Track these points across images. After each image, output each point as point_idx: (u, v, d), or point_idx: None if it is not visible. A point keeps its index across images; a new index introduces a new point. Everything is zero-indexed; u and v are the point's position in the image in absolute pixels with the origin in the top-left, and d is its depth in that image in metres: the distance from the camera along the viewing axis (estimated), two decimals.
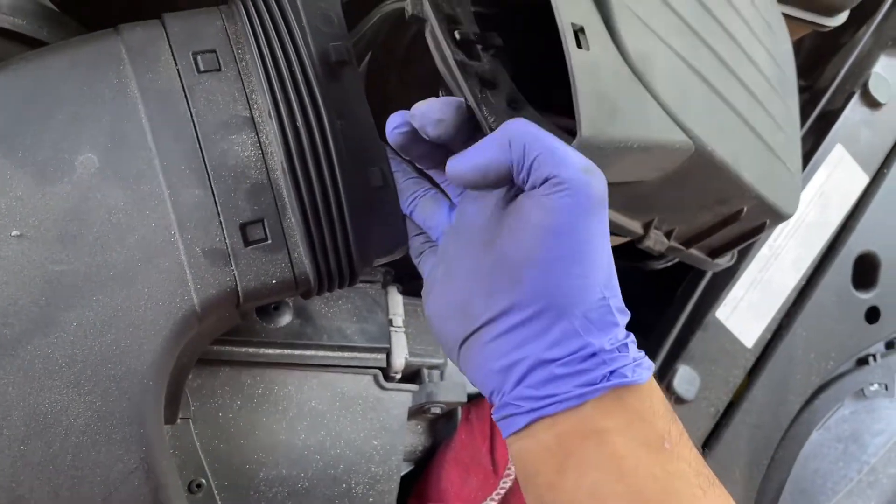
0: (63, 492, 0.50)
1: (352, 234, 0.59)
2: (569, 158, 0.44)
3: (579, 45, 0.46)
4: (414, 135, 0.52)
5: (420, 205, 0.58)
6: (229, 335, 0.65)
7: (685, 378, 0.81)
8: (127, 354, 0.53)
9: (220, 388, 0.65)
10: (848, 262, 0.88)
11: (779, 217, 0.68)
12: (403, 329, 0.73)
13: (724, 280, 0.84)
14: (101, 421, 0.52)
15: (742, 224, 0.67)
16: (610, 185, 0.47)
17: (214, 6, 0.59)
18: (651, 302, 1.07)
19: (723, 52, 0.61)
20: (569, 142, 0.46)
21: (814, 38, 0.98)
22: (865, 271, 0.90)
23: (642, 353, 0.46)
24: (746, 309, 0.84)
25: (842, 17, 0.89)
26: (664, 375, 0.82)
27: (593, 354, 0.43)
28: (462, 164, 0.47)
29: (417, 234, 0.59)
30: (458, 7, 0.56)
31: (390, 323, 0.72)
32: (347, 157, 0.59)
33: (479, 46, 0.54)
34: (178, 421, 0.65)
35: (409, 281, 0.80)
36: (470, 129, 0.51)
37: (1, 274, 0.50)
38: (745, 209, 0.65)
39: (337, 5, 0.63)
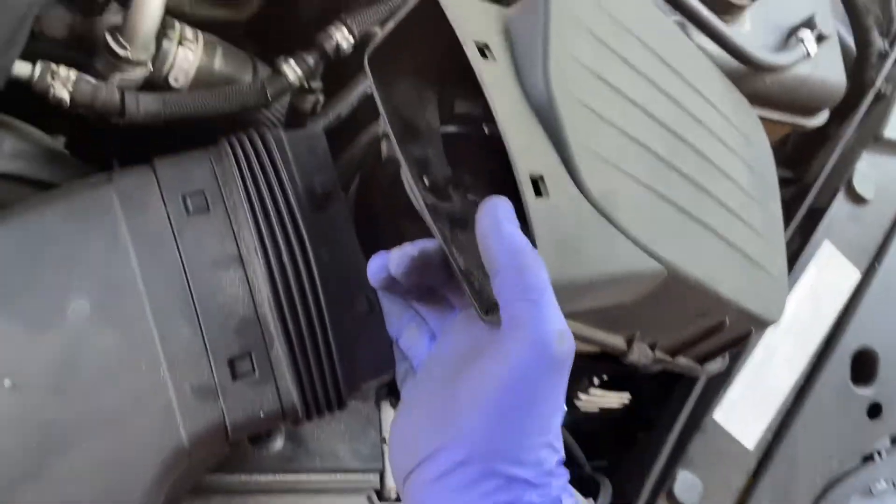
0: None
1: (338, 363, 0.60)
2: (548, 319, 0.45)
3: (539, 193, 0.47)
4: (394, 278, 0.54)
5: (406, 332, 0.59)
6: (221, 462, 0.66)
7: (686, 484, 0.80)
8: (117, 495, 0.54)
9: None
10: (845, 359, 0.88)
11: (763, 324, 0.69)
12: None
13: (720, 381, 0.83)
14: None
15: (727, 333, 0.67)
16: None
17: (204, 147, 0.62)
18: (650, 397, 1.07)
19: (693, 173, 0.63)
20: None
21: (800, 133, 1.00)
22: (864, 367, 0.89)
23: None
24: (745, 410, 0.83)
25: (823, 117, 0.91)
26: (664, 482, 0.81)
27: None
28: (500, 228, 0.46)
29: (403, 360, 0.60)
30: (429, 148, 0.58)
31: (383, 441, 0.73)
32: (333, 285, 0.61)
33: (449, 187, 0.56)
34: None
35: None
36: (448, 271, 0.53)
37: None
38: (728, 320, 0.65)
39: (322, 139, 0.66)
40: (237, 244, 0.59)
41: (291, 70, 0.73)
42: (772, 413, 0.84)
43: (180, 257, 0.57)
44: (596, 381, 1.03)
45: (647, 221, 0.55)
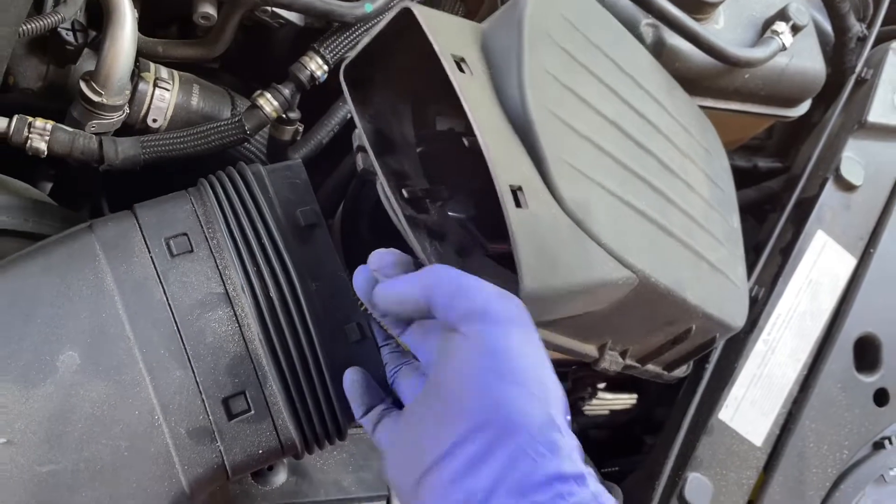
0: None
1: (334, 395, 0.59)
2: (481, 291, 0.46)
3: (518, 204, 0.48)
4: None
5: (399, 375, 0.59)
6: (226, 499, 0.66)
7: (696, 487, 0.79)
8: None
9: None
10: (848, 347, 0.87)
11: (728, 329, 0.70)
12: None
13: (723, 380, 0.82)
14: None
15: (693, 340, 0.68)
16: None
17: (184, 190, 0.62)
18: (657, 399, 1.06)
19: (660, 184, 0.63)
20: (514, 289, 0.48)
21: (784, 123, 1.00)
22: (867, 354, 0.88)
23: (603, 490, 0.43)
24: (750, 407, 0.82)
25: (804, 107, 0.91)
26: (674, 486, 0.80)
27: (547, 481, 0.41)
28: (385, 291, 0.52)
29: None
30: (405, 162, 0.58)
31: None
32: (324, 316, 0.60)
33: (427, 200, 0.56)
34: None
35: None
36: None
37: None
38: (694, 327, 0.66)
39: (302, 170, 0.66)
40: (223, 283, 0.59)
41: (268, 103, 0.73)
42: (778, 407, 0.84)
43: (167, 300, 0.57)
44: (600, 385, 1.02)
45: (619, 231, 0.56)
